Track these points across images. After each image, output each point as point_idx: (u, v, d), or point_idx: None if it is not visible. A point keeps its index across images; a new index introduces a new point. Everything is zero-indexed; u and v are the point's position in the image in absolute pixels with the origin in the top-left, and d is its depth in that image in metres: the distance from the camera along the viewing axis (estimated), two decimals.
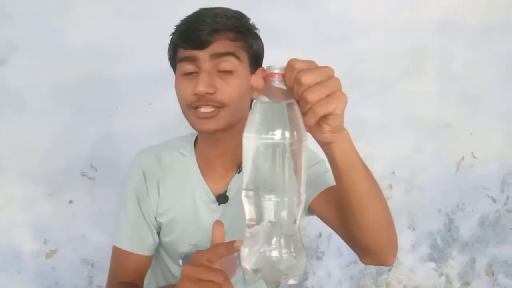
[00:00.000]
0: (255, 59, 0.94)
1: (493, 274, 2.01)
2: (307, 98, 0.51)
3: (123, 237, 1.00)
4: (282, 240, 0.51)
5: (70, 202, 1.56)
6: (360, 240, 0.77)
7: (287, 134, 0.50)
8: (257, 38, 0.94)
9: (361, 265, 1.86)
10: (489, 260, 1.99)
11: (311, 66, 0.53)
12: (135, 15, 1.50)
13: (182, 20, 0.91)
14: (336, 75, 0.54)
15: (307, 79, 0.51)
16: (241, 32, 0.88)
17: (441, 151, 1.83)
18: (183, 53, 0.87)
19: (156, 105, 1.54)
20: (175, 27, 0.92)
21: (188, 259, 1.03)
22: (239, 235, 1.05)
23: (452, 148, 1.85)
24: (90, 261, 1.59)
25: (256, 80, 0.55)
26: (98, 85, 1.51)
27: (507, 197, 1.95)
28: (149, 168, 1.00)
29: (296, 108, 0.53)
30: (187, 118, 0.90)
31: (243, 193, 0.53)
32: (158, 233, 1.03)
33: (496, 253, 1.99)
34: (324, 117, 0.53)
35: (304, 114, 0.53)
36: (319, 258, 1.80)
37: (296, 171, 0.52)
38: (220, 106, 0.85)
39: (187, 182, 1.00)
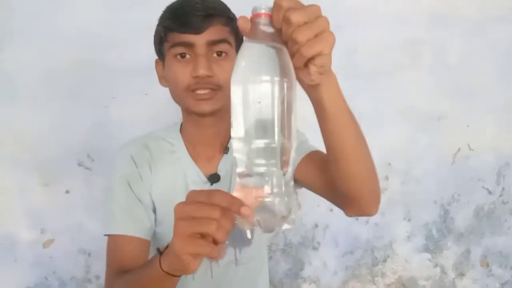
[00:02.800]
0: (240, 46, 0.98)
1: (487, 265, 2.02)
2: (296, 38, 0.50)
3: (118, 223, 0.95)
4: (275, 186, 0.50)
5: (67, 192, 1.56)
6: (345, 191, 0.77)
7: (277, 75, 0.49)
8: None
9: (356, 256, 1.87)
10: (484, 251, 2.01)
11: (298, 5, 0.52)
12: (132, 3, 1.49)
13: (169, 6, 0.93)
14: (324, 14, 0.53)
15: (296, 18, 0.49)
16: (231, 18, 0.93)
17: (437, 142, 1.84)
18: (178, 37, 0.89)
19: (153, 95, 1.54)
20: (163, 12, 0.94)
21: None
22: None
23: (448, 140, 1.86)
24: (87, 250, 1.60)
25: (243, 22, 0.53)
26: (94, 74, 1.50)
27: (503, 189, 1.96)
28: (138, 155, 1.00)
29: (284, 50, 0.52)
30: (183, 100, 0.93)
31: (234, 142, 0.52)
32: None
33: (490, 244, 2.00)
34: (312, 58, 0.51)
35: (292, 55, 0.52)
36: (315, 249, 1.81)
37: (287, 114, 0.51)
38: (217, 88, 0.89)
39: (177, 167, 1.01)
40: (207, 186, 1.01)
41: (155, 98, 1.53)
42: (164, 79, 0.99)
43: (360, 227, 1.84)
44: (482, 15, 1.76)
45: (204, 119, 0.95)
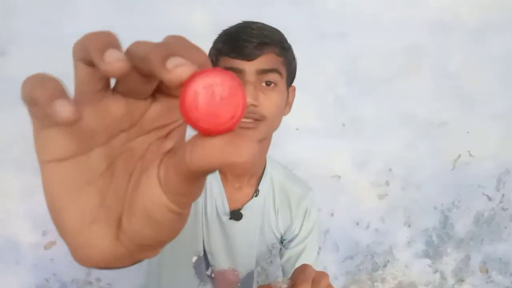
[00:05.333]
0: (292, 76, 0.97)
1: (487, 271, 2.02)
2: None
3: None
4: None
5: None
6: None
7: None
8: (294, 57, 0.96)
9: (357, 261, 1.88)
10: (484, 257, 2.01)
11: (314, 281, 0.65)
12: (134, 8, 1.50)
13: (226, 30, 0.91)
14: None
15: None
16: (285, 48, 0.91)
17: (438, 149, 1.85)
18: (228, 62, 0.86)
19: None
20: (218, 35, 0.92)
21: (200, 261, 1.04)
22: (240, 254, 1.06)
23: (449, 146, 1.87)
24: None
25: None
26: None
27: (503, 195, 1.97)
28: None
29: None
30: None
31: None
32: None
33: (490, 250, 2.01)
34: None
35: None
36: None
37: None
38: (261, 119, 0.86)
39: (206, 184, 0.98)
40: (225, 218, 1.00)
41: None
42: None
43: (360, 232, 1.84)
44: (483, 22, 1.77)
45: None
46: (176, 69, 0.23)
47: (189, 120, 0.24)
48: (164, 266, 1.09)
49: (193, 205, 0.97)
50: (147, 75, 0.26)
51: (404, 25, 1.70)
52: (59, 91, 0.25)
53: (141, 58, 0.24)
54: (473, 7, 1.75)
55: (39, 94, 0.25)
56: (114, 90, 0.29)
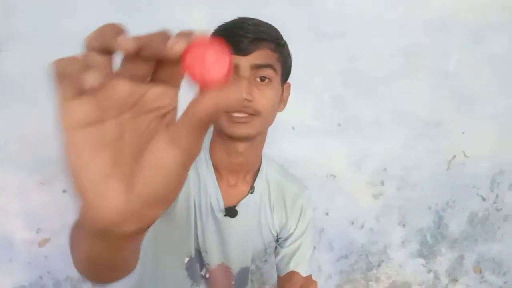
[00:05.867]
0: (286, 73, 0.97)
1: (480, 271, 2.03)
2: None
3: None
4: None
5: (64, 191, 1.56)
6: None
7: None
8: (290, 54, 0.97)
9: (351, 260, 1.88)
10: (477, 257, 2.02)
11: None
12: (133, 7, 1.49)
13: (221, 25, 0.92)
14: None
15: None
16: (280, 44, 0.92)
17: (433, 149, 1.85)
18: None
19: None
20: (214, 30, 0.92)
21: (193, 262, 1.03)
22: (234, 251, 1.06)
23: (444, 147, 1.87)
24: None
25: None
26: None
27: (497, 196, 1.98)
28: None
29: None
30: (218, 121, 0.90)
31: None
32: None
33: (484, 250, 2.02)
34: None
35: None
36: None
37: None
38: (254, 113, 0.87)
39: (200, 181, 0.98)
40: (220, 215, 0.99)
41: None
42: None
43: (355, 231, 1.85)
44: (482, 22, 1.77)
45: (237, 144, 0.92)
46: (176, 45, 0.32)
47: (192, 77, 0.32)
48: (157, 267, 1.09)
49: (185, 206, 0.98)
50: (146, 59, 0.34)
51: (403, 25, 1.70)
52: (88, 66, 0.32)
53: (146, 43, 0.33)
54: (472, 7, 1.75)
55: (73, 67, 0.32)
56: (118, 74, 0.36)
